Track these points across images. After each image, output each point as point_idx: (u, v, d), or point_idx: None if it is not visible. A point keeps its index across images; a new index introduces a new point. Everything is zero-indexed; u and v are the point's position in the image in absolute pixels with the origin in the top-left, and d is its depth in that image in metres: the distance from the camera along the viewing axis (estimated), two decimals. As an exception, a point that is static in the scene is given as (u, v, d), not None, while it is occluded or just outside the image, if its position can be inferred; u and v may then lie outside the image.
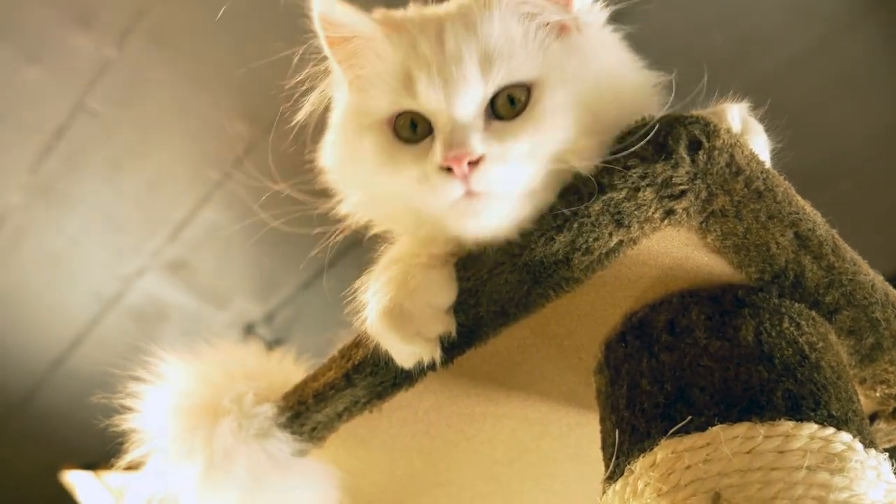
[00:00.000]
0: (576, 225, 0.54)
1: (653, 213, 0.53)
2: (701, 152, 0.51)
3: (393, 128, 0.59)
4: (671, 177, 0.51)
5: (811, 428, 0.50)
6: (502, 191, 0.55)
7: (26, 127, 1.94)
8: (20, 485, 2.77)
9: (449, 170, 0.54)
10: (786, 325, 0.56)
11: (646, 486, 0.51)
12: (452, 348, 0.62)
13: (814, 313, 0.58)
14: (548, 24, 0.58)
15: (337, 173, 0.64)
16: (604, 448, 0.59)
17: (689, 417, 0.52)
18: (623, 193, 0.52)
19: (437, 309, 0.58)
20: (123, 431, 0.73)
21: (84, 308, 2.36)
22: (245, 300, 2.39)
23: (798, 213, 0.54)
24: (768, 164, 0.57)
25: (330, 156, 0.64)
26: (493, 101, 0.56)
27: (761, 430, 0.49)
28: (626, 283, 0.59)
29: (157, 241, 2.18)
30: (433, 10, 0.61)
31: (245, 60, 1.78)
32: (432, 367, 0.63)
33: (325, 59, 0.64)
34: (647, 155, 0.51)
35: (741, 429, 0.50)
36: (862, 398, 0.65)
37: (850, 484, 0.48)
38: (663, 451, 0.52)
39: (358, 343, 0.66)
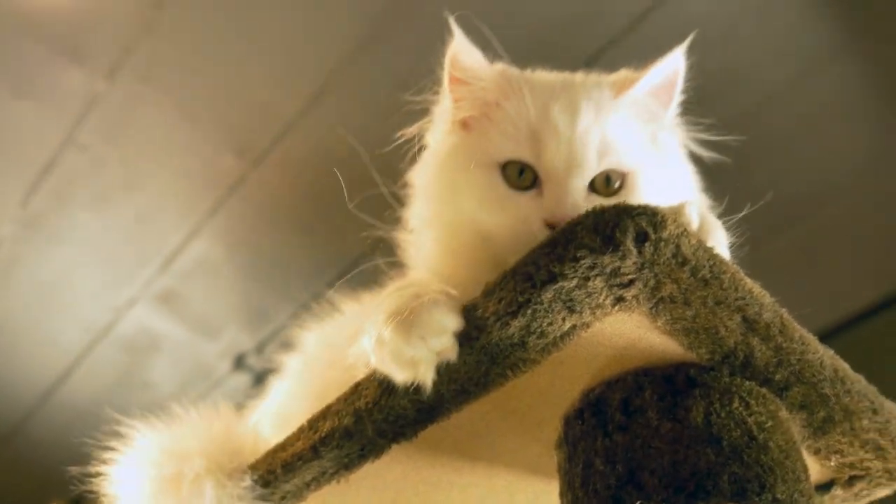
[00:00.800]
0: (529, 311, 0.55)
1: (603, 300, 0.55)
2: (647, 244, 0.52)
3: (502, 172, 0.67)
4: (619, 267, 0.53)
5: (756, 513, 0.51)
6: None
7: (16, 160, 1.96)
8: (10, 517, 2.77)
9: (551, 226, 0.62)
10: (735, 404, 0.57)
11: (598, 568, 0.52)
12: (416, 423, 0.64)
13: (764, 391, 0.60)
14: (651, 125, 0.68)
15: (427, 192, 0.72)
16: (562, 524, 0.60)
17: (638, 502, 0.53)
18: (574, 282, 0.54)
19: (445, 326, 0.58)
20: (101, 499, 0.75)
21: (74, 339, 2.37)
22: (236, 330, 2.40)
23: (745, 299, 0.56)
24: (727, 257, 0.59)
25: (426, 178, 0.73)
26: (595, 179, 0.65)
27: (707, 516, 0.51)
28: (582, 362, 0.60)
29: (148, 272, 2.19)
30: (567, 77, 0.70)
31: (233, 94, 1.82)
32: (397, 440, 0.65)
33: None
34: (596, 246, 0.53)
35: (687, 515, 0.51)
36: (818, 467, 0.66)
37: (793, 571, 0.49)
38: (614, 534, 0.53)
39: (325, 415, 0.68)
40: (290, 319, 2.33)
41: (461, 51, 0.70)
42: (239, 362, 2.45)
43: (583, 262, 0.53)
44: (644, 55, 1.73)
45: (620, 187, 0.65)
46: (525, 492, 0.72)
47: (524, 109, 0.66)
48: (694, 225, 0.58)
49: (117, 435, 0.74)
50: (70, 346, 2.37)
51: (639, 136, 0.67)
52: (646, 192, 0.65)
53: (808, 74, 1.72)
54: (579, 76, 0.72)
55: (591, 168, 0.64)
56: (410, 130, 0.73)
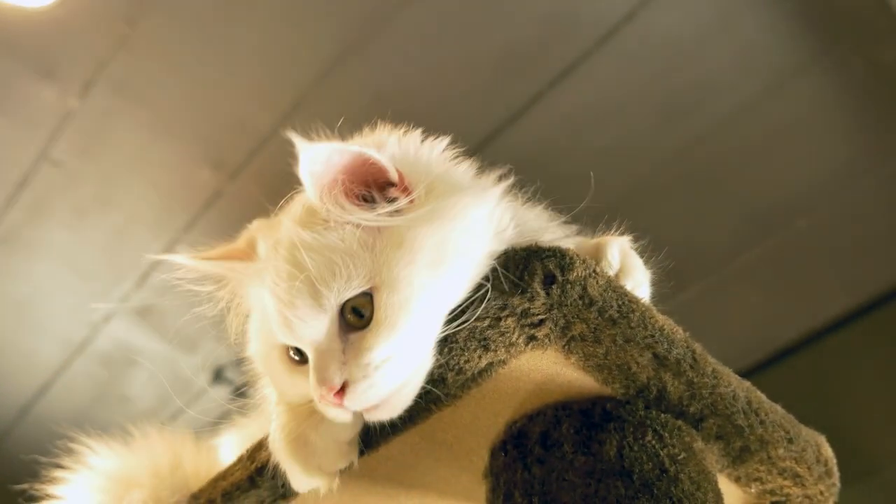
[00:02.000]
0: (446, 349, 0.57)
1: (516, 339, 0.56)
2: (555, 286, 0.54)
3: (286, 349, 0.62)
4: (529, 308, 0.55)
5: (661, 547, 0.53)
6: (383, 394, 0.56)
7: (-10, 176, 1.97)
8: (-11, 532, 2.76)
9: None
10: (649, 437, 0.59)
11: None
12: (346, 454, 0.65)
13: (680, 423, 0.61)
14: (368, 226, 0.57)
15: (258, 365, 0.69)
16: (485, 554, 0.62)
17: (551, 535, 0.55)
18: (486, 322, 0.56)
19: (342, 442, 0.60)
20: None
21: (51, 355, 2.37)
22: (214, 344, 2.40)
23: (654, 336, 0.58)
24: (647, 297, 0.61)
25: (252, 351, 0.69)
26: (345, 314, 0.57)
27: (613, 550, 0.52)
28: (504, 396, 0.62)
29: (125, 287, 2.19)
30: (279, 231, 0.61)
31: (209, 108, 1.83)
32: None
33: None
34: (505, 289, 0.55)
35: (594, 549, 0.53)
36: (741, 493, 0.68)
37: None
38: (525, 568, 0.54)
39: (261, 446, 0.69)
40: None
41: (186, 268, 0.67)
42: (218, 375, 2.46)
43: (494, 303, 0.55)
44: (616, 69, 1.74)
45: (373, 308, 0.56)
46: (459, 519, 0.73)
47: (263, 289, 0.60)
48: (615, 264, 0.60)
49: (71, 453, 0.76)
50: (47, 362, 2.37)
51: (357, 243, 0.57)
52: (405, 295, 0.55)
53: (777, 88, 1.74)
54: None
55: (315, 323, 0.57)
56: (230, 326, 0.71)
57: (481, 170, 0.65)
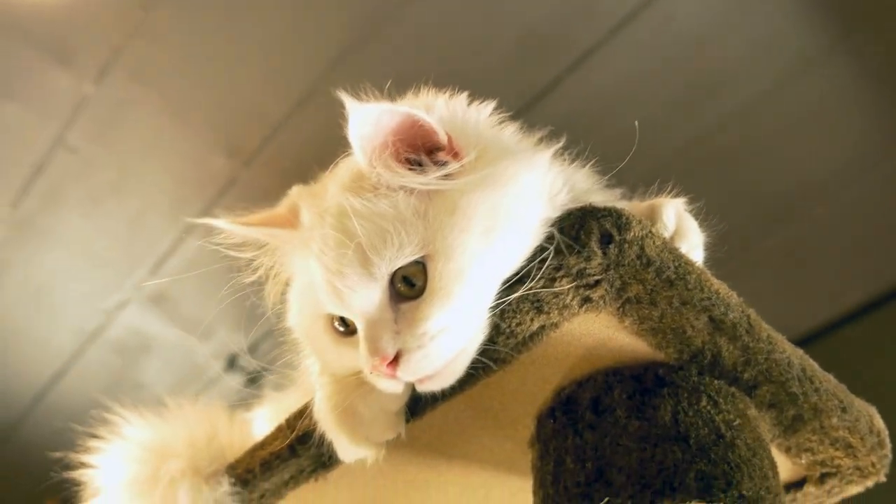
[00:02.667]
0: (498, 311, 0.56)
1: (570, 301, 0.55)
2: (612, 245, 0.53)
3: (331, 320, 0.60)
4: (585, 268, 0.54)
5: (720, 510, 0.52)
6: (438, 365, 0.55)
7: (6, 162, 1.96)
8: (3, 519, 2.77)
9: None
10: (703, 403, 0.58)
11: (567, 565, 0.53)
12: (391, 422, 0.64)
13: (733, 389, 0.60)
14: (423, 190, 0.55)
15: (299, 336, 0.67)
16: (535, 522, 0.61)
17: (607, 499, 0.54)
18: (541, 283, 0.55)
19: (390, 413, 0.60)
20: (82, 486, 0.76)
21: (66, 342, 2.37)
22: (228, 332, 2.39)
23: (711, 299, 0.56)
24: (701, 260, 0.60)
25: (293, 321, 0.67)
26: (395, 283, 0.55)
27: (672, 513, 0.51)
28: (553, 362, 0.61)
29: (139, 274, 2.19)
30: (325, 197, 0.59)
31: (223, 95, 1.82)
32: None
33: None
34: (561, 249, 0.54)
35: (653, 512, 0.52)
36: (790, 465, 0.67)
37: (756, 567, 0.49)
38: (582, 532, 0.53)
39: (303, 414, 0.68)
40: (282, 319, 2.34)
41: (228, 232, 0.65)
42: (231, 363, 2.45)
43: (549, 263, 0.54)
44: (633, 55, 1.73)
45: (424, 276, 0.55)
46: (501, 489, 0.72)
47: (310, 257, 0.59)
48: (670, 226, 0.59)
49: (106, 424, 0.75)
50: (62, 349, 2.37)
51: (410, 209, 0.55)
52: (455, 263, 0.54)
53: (794, 76, 1.73)
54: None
55: (366, 292, 0.56)
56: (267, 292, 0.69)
57: (526, 133, 0.64)
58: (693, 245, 0.60)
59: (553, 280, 0.54)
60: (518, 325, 0.56)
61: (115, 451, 0.75)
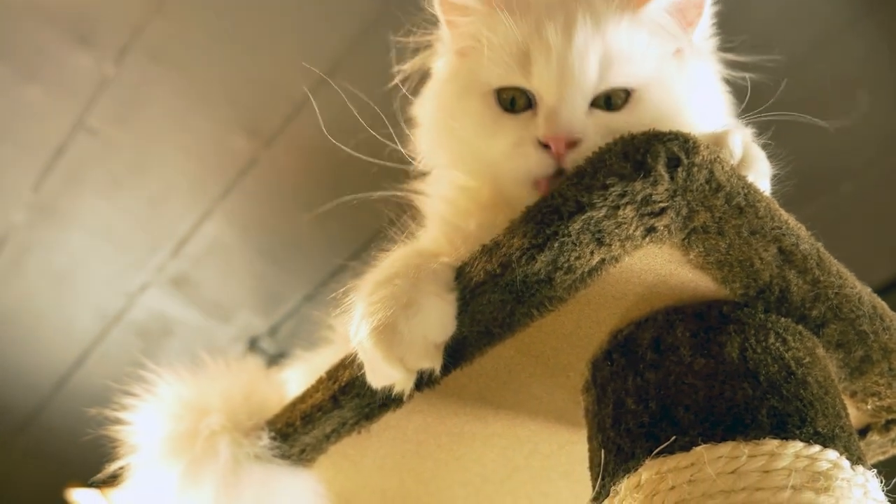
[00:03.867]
0: (556, 244, 0.53)
1: (634, 231, 0.53)
2: (680, 169, 0.50)
3: (497, 97, 0.63)
4: (650, 195, 0.51)
5: (796, 446, 0.49)
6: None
7: (27, 145, 1.95)
8: (26, 503, 2.78)
9: (546, 146, 0.58)
10: (771, 340, 0.55)
11: (631, 507, 0.51)
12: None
13: (801, 327, 0.57)
14: (669, 43, 0.62)
15: (429, 124, 0.69)
16: (591, 468, 0.59)
17: (674, 437, 0.51)
18: (603, 212, 0.52)
19: (430, 342, 0.57)
20: (117, 443, 0.74)
21: (88, 325, 2.37)
22: (248, 314, 2.39)
23: (781, 228, 0.54)
24: (768, 192, 0.57)
25: (428, 109, 0.69)
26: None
27: (745, 449, 0.49)
28: (610, 301, 0.58)
29: (160, 256, 2.18)
30: None
31: (244, 75, 1.80)
32: (419, 387, 0.64)
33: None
34: (626, 173, 0.51)
35: (725, 448, 0.49)
36: (854, 411, 0.64)
37: (836, 503, 0.47)
38: (647, 471, 0.51)
39: (344, 364, 0.66)
40: (303, 301, 2.32)
41: None
42: (252, 345, 2.44)
43: (612, 189, 0.51)
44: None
45: (625, 104, 0.61)
46: (549, 442, 0.70)
47: (515, 32, 0.62)
48: (737, 153, 0.57)
49: (142, 381, 0.73)
50: (84, 333, 2.37)
51: (652, 52, 0.62)
52: (657, 110, 0.60)
53: (825, 44, 1.69)
54: None
55: (588, 84, 0.60)
56: (408, 66, 0.71)
57: None
58: (760, 174, 0.57)
59: (616, 208, 0.51)
60: (577, 258, 0.54)
61: (152, 408, 0.74)
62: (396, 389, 0.60)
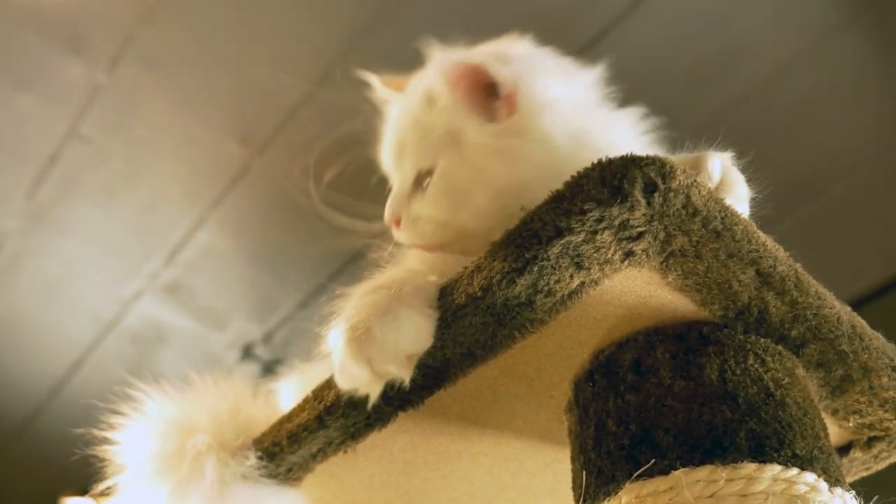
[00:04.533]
0: (536, 268, 0.54)
1: (612, 255, 0.53)
2: (656, 194, 0.51)
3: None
4: (628, 220, 0.51)
5: (774, 469, 0.50)
6: (421, 243, 0.67)
7: (20, 153, 1.95)
8: (21, 511, 2.78)
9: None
10: (751, 361, 0.55)
11: (612, 530, 0.51)
12: (422, 389, 0.63)
13: (780, 348, 0.58)
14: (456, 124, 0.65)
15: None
16: (574, 489, 0.59)
17: (653, 460, 0.52)
18: (581, 237, 0.52)
19: (402, 350, 0.57)
20: (105, 462, 0.74)
21: (82, 332, 2.37)
22: (243, 321, 2.39)
23: (758, 251, 0.54)
24: (746, 215, 0.58)
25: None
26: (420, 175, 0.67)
27: (723, 473, 0.49)
28: (591, 323, 0.59)
29: (154, 263, 2.18)
30: (409, 90, 0.71)
31: (236, 82, 1.80)
32: (403, 407, 0.64)
33: None
34: (603, 198, 0.51)
35: (703, 472, 0.50)
36: (836, 428, 0.65)
37: (813, 527, 0.47)
38: (627, 494, 0.51)
39: (330, 384, 0.66)
40: (297, 308, 2.32)
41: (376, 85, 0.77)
42: (247, 352, 2.44)
43: (590, 214, 0.51)
44: (649, 31, 1.71)
45: (428, 185, 0.66)
46: (534, 460, 0.70)
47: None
48: (715, 177, 0.57)
49: (129, 399, 0.73)
50: (78, 340, 2.37)
51: (443, 131, 0.66)
52: (450, 185, 0.65)
53: (814, 49, 1.70)
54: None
55: (398, 172, 0.70)
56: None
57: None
58: (739, 198, 0.57)
59: (594, 233, 0.52)
60: (557, 282, 0.54)
61: (139, 427, 0.74)
62: (360, 392, 0.60)
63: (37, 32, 1.72)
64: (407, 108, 0.69)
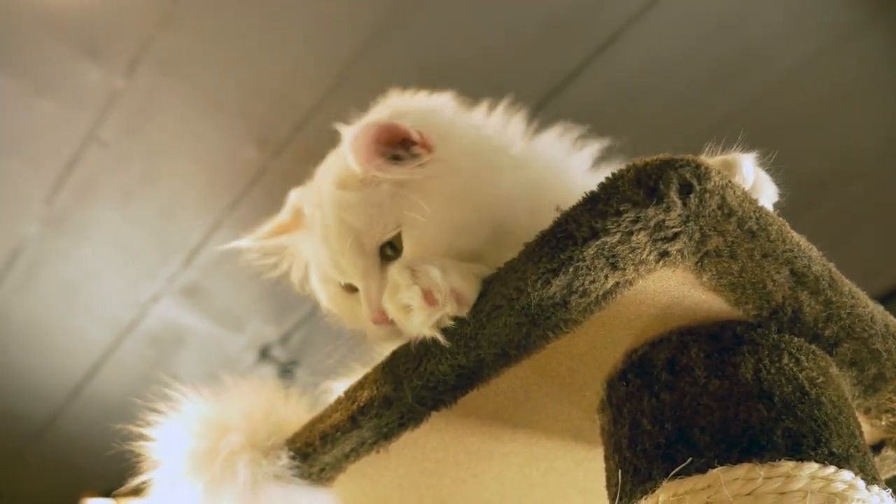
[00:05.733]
0: (571, 269, 0.54)
1: (647, 256, 0.53)
2: (692, 195, 0.51)
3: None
4: (663, 220, 0.52)
5: (812, 468, 0.50)
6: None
7: (39, 158, 1.97)
8: (42, 513, 2.80)
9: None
10: (785, 360, 0.56)
11: (649, 528, 0.51)
12: (456, 389, 0.63)
13: (814, 347, 0.58)
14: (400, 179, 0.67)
15: (329, 307, 0.78)
16: (608, 487, 0.59)
17: (690, 459, 0.52)
18: (616, 237, 0.53)
19: (455, 287, 0.60)
20: (139, 458, 0.75)
21: (101, 335, 2.39)
22: (260, 323, 2.41)
23: (793, 251, 0.54)
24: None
25: (322, 298, 0.78)
26: (385, 251, 0.68)
27: (761, 471, 0.50)
28: (625, 322, 0.59)
29: (172, 266, 2.20)
30: (320, 193, 0.71)
31: (252, 85, 1.82)
32: (437, 407, 0.65)
33: None
34: (639, 199, 0.52)
35: (741, 470, 0.50)
36: (868, 427, 0.65)
37: (853, 525, 0.48)
38: (665, 493, 0.52)
39: (363, 385, 0.67)
40: (314, 309, 2.34)
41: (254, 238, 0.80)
42: (264, 354, 2.46)
43: (626, 216, 0.52)
44: (665, 33, 1.71)
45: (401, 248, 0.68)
46: (565, 459, 0.71)
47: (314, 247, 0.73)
48: (749, 178, 0.58)
49: (165, 398, 0.75)
50: (97, 343, 2.38)
51: (389, 195, 0.68)
52: (425, 240, 0.66)
53: (830, 50, 1.69)
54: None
55: (361, 264, 0.69)
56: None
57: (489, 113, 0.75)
58: (769, 198, 0.58)
59: (630, 234, 0.52)
60: (592, 282, 0.55)
61: (173, 425, 0.75)
62: (418, 318, 0.61)
63: (55, 38, 1.74)
64: (338, 206, 0.68)
